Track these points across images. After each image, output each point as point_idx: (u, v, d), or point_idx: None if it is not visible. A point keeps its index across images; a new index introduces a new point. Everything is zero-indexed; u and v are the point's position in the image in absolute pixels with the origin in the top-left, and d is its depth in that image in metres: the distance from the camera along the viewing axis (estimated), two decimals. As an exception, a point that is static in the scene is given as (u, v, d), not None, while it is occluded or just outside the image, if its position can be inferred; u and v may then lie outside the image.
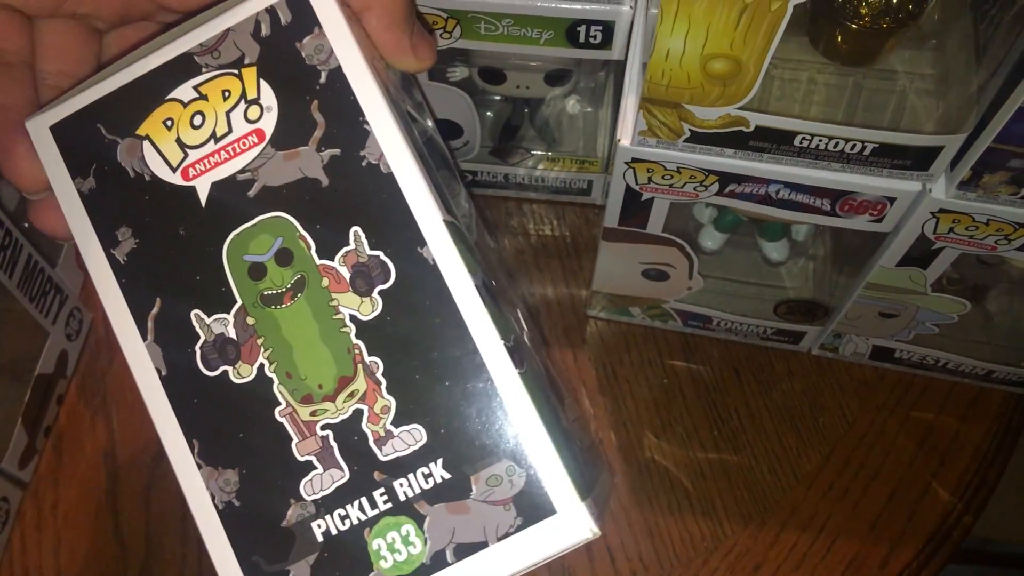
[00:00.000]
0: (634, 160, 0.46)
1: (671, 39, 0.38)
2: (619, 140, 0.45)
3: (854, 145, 0.41)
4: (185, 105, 0.35)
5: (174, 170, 0.35)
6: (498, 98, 0.62)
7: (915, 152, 0.41)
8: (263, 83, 0.35)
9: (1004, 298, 0.57)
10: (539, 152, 0.62)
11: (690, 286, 0.56)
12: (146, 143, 0.35)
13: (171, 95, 0.35)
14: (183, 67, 0.35)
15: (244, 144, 0.34)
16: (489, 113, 0.62)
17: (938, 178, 0.43)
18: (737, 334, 0.60)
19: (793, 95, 0.42)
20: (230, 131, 0.34)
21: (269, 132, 0.34)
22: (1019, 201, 0.42)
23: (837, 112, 0.42)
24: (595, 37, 0.50)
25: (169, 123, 0.35)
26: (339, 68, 0.34)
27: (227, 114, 0.35)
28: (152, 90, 0.35)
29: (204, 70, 0.35)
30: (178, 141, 0.35)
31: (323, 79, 0.34)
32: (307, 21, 0.34)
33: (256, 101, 0.35)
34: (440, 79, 0.57)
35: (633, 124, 0.45)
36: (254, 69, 0.35)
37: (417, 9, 0.43)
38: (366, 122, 0.34)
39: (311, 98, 0.34)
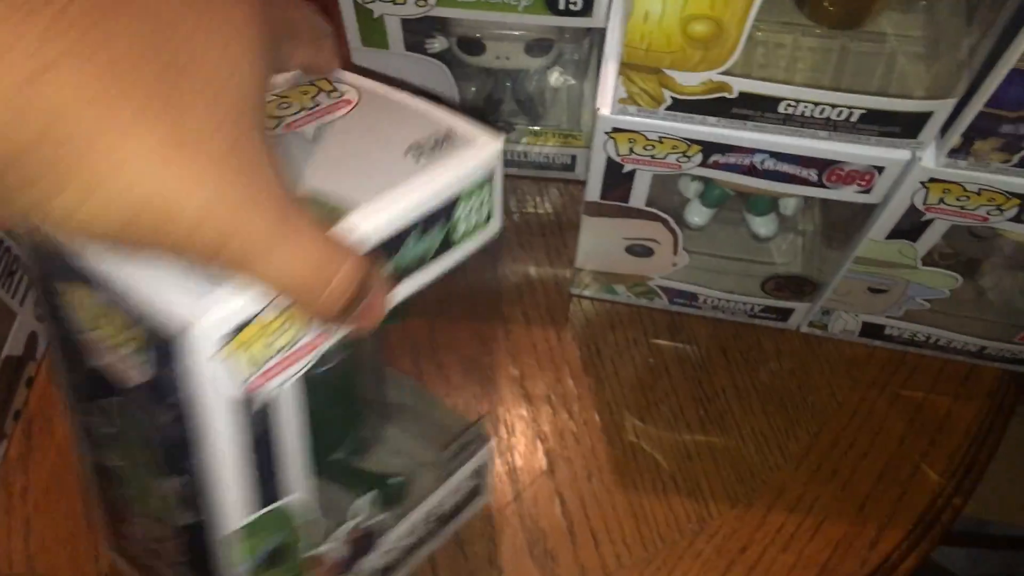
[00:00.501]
0: (615, 130, 0.44)
1: (649, 1, 0.36)
2: (598, 109, 0.44)
3: (841, 111, 0.40)
4: None
5: None
6: (481, 70, 0.60)
7: (904, 118, 0.40)
8: None
9: (997, 272, 0.56)
10: (522, 126, 0.61)
11: (675, 262, 0.55)
12: None
13: None
14: None
15: None
16: (473, 87, 0.61)
17: (928, 146, 0.42)
18: (724, 312, 0.59)
19: (777, 60, 0.41)
20: None
21: None
22: (1011, 169, 0.40)
23: (823, 77, 0.41)
24: (575, 3, 0.49)
25: None
26: None
27: None
28: None
29: None
30: None
31: None
32: None
33: None
34: (418, 50, 0.55)
35: (613, 92, 0.43)
36: None
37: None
38: None
39: None
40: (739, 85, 0.40)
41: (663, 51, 0.39)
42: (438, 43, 0.57)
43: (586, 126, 0.61)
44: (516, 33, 0.54)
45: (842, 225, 0.54)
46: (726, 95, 0.40)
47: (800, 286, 0.55)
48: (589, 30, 0.53)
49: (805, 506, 0.55)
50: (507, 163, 0.62)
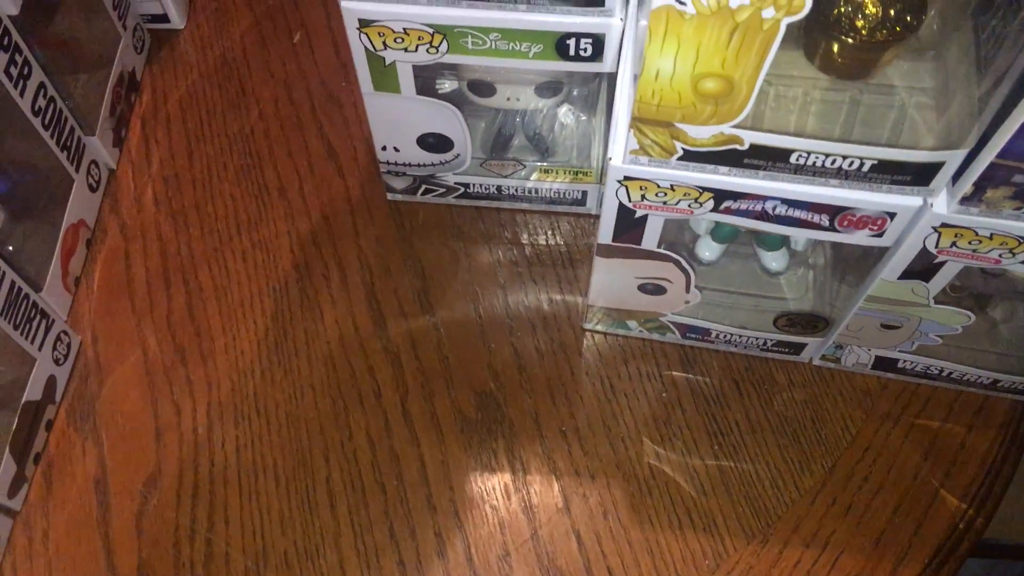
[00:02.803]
0: (626, 178, 0.45)
1: (660, 59, 0.37)
2: (610, 159, 0.44)
3: (852, 162, 0.40)
4: None
5: None
6: (490, 108, 0.60)
7: (915, 168, 0.40)
8: None
9: (1008, 304, 0.56)
10: (533, 163, 0.61)
11: (687, 300, 0.55)
12: None
13: None
14: None
15: None
16: (482, 124, 0.61)
17: (939, 193, 0.42)
18: (737, 346, 0.59)
19: (788, 111, 0.41)
20: None
21: None
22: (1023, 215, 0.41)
23: (834, 128, 0.41)
24: (585, 50, 0.49)
25: None
26: None
27: None
28: None
29: None
30: None
31: None
32: None
33: None
34: (429, 92, 0.56)
35: (624, 143, 0.43)
36: None
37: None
38: None
39: None
40: (750, 137, 0.40)
41: (674, 106, 0.39)
42: (447, 84, 0.57)
43: (596, 162, 0.61)
44: (527, 75, 0.54)
45: (853, 260, 0.54)
46: (737, 147, 0.41)
47: (812, 322, 0.55)
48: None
49: (821, 541, 0.55)
50: (518, 198, 0.62)
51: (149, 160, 0.67)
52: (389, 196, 0.65)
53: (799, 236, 0.46)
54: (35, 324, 0.55)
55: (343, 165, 0.67)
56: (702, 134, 0.40)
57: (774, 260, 0.58)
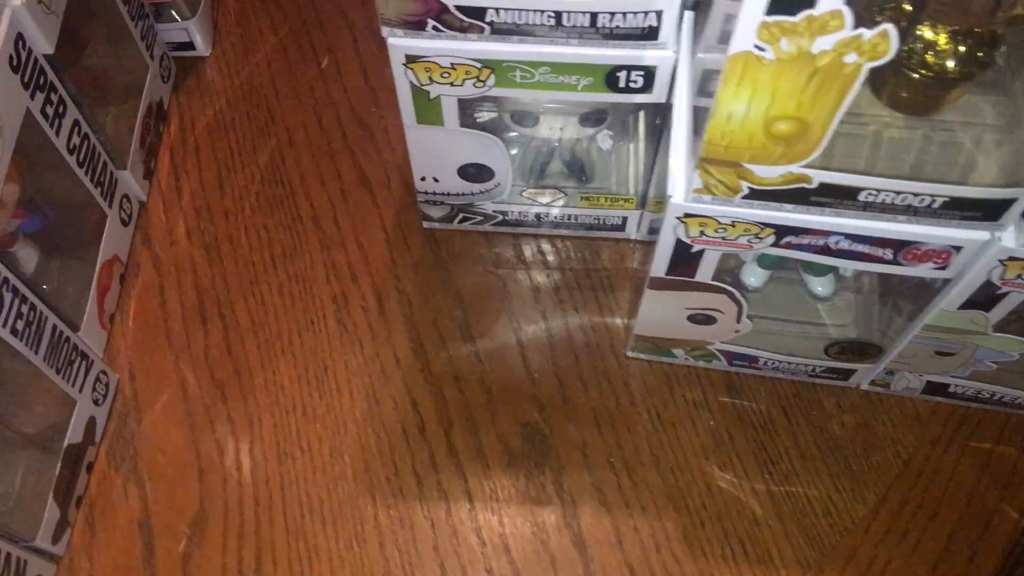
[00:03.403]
0: (686, 215, 0.44)
1: (733, 103, 0.36)
2: (670, 196, 0.43)
3: (923, 199, 0.40)
4: None
5: None
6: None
7: (986, 204, 0.39)
8: None
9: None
10: (571, 189, 0.60)
11: (738, 329, 0.54)
12: None
13: None
14: None
15: None
16: (514, 151, 0.60)
17: (1008, 227, 0.41)
18: (784, 372, 0.58)
19: (857, 149, 0.40)
20: None
21: None
22: (1097, 250, 0.40)
23: (904, 166, 0.40)
24: (635, 82, 0.48)
25: None
26: None
27: None
28: None
29: None
30: None
31: None
32: None
33: None
34: (468, 121, 0.55)
35: (685, 180, 0.43)
36: None
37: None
38: None
39: None
40: (819, 176, 0.39)
41: (743, 148, 0.38)
42: (487, 113, 0.56)
43: (634, 187, 0.60)
44: (571, 105, 0.54)
45: (902, 286, 0.53)
46: (805, 185, 0.40)
47: (864, 350, 0.54)
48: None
49: (877, 570, 0.55)
50: (557, 224, 0.62)
51: (180, 192, 0.66)
52: (425, 224, 0.65)
53: (859, 268, 0.45)
54: (75, 366, 0.54)
55: (376, 193, 0.66)
56: (770, 173, 0.40)
57: (821, 285, 0.57)
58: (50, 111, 0.52)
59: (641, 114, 0.59)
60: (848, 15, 0.31)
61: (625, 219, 0.62)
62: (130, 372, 0.60)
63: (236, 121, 0.69)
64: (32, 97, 0.50)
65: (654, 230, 0.58)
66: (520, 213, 0.62)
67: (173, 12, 0.67)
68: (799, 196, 0.41)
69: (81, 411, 0.55)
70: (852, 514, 0.56)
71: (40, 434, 0.54)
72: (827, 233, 0.43)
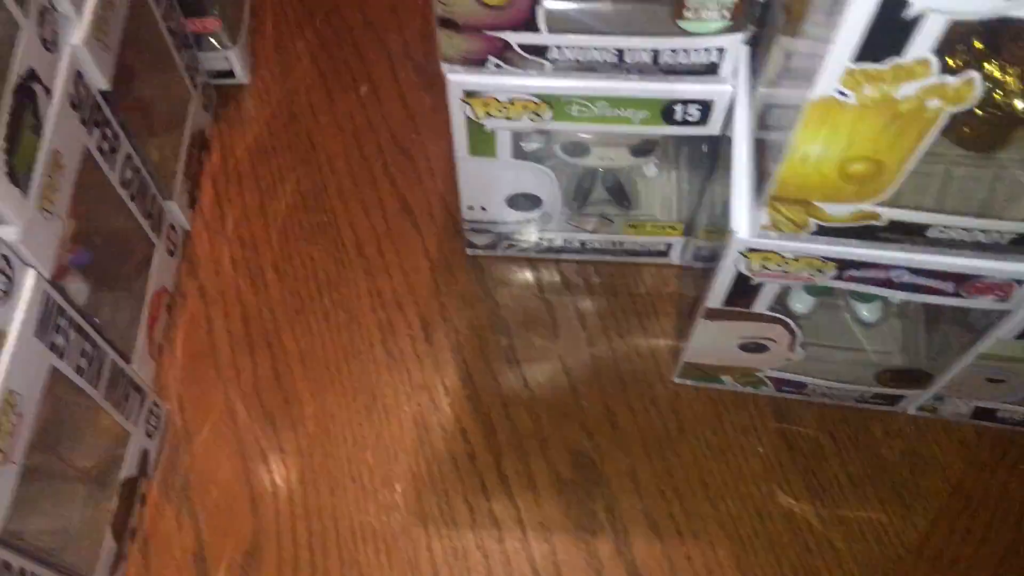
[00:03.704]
0: (750, 250, 0.44)
1: (810, 145, 0.36)
2: (735, 232, 0.43)
3: (991, 235, 0.40)
4: None
5: None
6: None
7: (1054, 239, 0.40)
8: None
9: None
10: (617, 216, 0.60)
11: (789, 357, 0.55)
12: None
13: None
14: None
15: None
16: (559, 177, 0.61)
17: (1074, 260, 0.41)
18: (832, 398, 0.59)
19: (927, 187, 0.41)
20: None
21: None
22: None
23: (973, 203, 0.40)
24: (692, 115, 0.49)
25: None
26: None
27: None
28: None
29: None
30: None
31: None
32: None
33: None
34: (517, 153, 0.55)
35: (749, 216, 0.43)
36: None
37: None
38: None
39: None
40: (889, 214, 0.40)
41: (816, 187, 0.39)
42: (534, 143, 0.57)
43: (677, 214, 0.61)
44: (623, 136, 0.54)
45: (950, 314, 0.54)
46: (874, 223, 0.40)
47: (916, 378, 0.55)
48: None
49: (929, 596, 0.55)
50: (601, 251, 0.62)
51: (223, 221, 0.66)
52: (468, 251, 0.65)
53: (919, 300, 0.46)
54: (131, 400, 0.54)
55: (419, 220, 0.66)
56: (840, 211, 0.40)
57: (868, 312, 0.57)
58: (105, 146, 0.52)
59: (683, 145, 0.59)
60: (935, 63, 0.32)
61: (670, 246, 0.62)
62: (179, 403, 0.61)
63: (277, 149, 0.69)
64: (90, 133, 0.50)
65: (699, 256, 0.59)
66: (565, 240, 0.62)
67: (213, 40, 0.68)
68: (867, 232, 0.41)
69: (135, 444, 0.55)
70: (904, 540, 0.56)
71: (95, 468, 0.54)
72: (890, 267, 0.44)
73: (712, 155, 0.54)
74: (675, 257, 0.63)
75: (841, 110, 0.34)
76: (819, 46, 0.33)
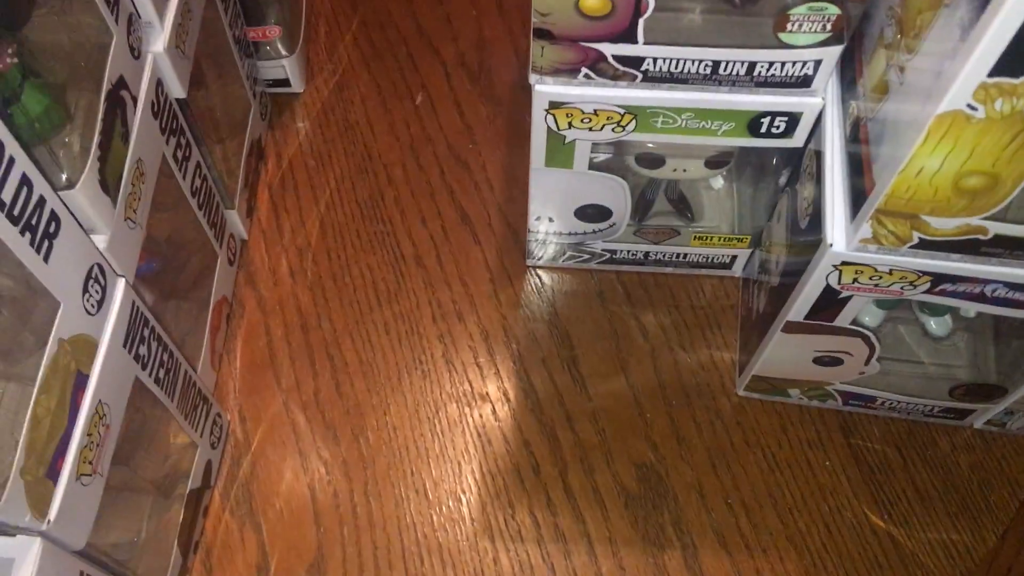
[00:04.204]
0: (844, 263, 0.44)
1: (929, 158, 0.36)
2: (830, 245, 0.43)
3: (1096, 250, 0.40)
4: None
5: None
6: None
7: None
8: None
9: None
10: (687, 229, 0.60)
11: (863, 371, 0.54)
12: None
13: None
14: None
15: None
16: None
17: None
18: (900, 412, 0.58)
19: (1033, 201, 0.41)
20: None
21: None
22: None
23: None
24: (778, 127, 0.48)
25: None
26: None
27: None
28: None
29: None
30: None
31: None
32: None
33: None
34: (590, 165, 0.55)
35: (846, 229, 0.43)
36: None
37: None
38: None
39: None
40: (996, 228, 0.39)
41: (926, 200, 0.38)
42: (603, 154, 0.56)
43: (745, 228, 0.60)
44: (699, 148, 0.54)
45: (1018, 326, 0.53)
46: (980, 237, 0.40)
47: (990, 392, 0.55)
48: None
49: (1001, 612, 0.54)
50: (663, 263, 0.62)
51: (280, 230, 0.66)
52: (528, 262, 0.65)
53: (1007, 315, 0.46)
54: (199, 411, 0.54)
55: (478, 231, 0.66)
56: (946, 225, 0.40)
57: (938, 325, 0.57)
58: (179, 155, 0.52)
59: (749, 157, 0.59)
60: (1071, 77, 0.31)
61: (735, 258, 0.62)
62: (240, 414, 0.60)
63: (333, 158, 0.69)
64: (167, 142, 0.50)
65: (764, 269, 0.58)
66: (630, 252, 0.62)
67: (269, 49, 0.67)
68: (970, 247, 0.41)
69: (201, 455, 0.55)
70: (973, 554, 0.56)
71: (163, 480, 0.53)
72: (986, 282, 0.43)
73: (781, 167, 0.54)
74: (738, 270, 0.63)
75: (966, 124, 0.34)
76: (946, 62, 0.33)
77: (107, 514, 0.47)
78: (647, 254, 0.62)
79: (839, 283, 0.46)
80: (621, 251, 0.62)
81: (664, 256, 0.62)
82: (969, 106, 0.33)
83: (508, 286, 0.64)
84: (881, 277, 0.44)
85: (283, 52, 0.67)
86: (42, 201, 0.35)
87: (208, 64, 0.57)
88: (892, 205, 0.39)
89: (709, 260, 0.62)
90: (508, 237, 0.66)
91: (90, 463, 0.41)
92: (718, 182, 0.61)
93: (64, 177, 0.41)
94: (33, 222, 0.35)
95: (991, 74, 0.32)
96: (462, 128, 0.70)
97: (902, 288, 0.45)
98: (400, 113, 0.71)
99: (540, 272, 0.65)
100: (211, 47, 0.56)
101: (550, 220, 0.59)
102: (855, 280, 0.45)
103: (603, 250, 0.62)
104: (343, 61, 0.73)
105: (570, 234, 0.60)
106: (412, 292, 0.64)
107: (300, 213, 0.67)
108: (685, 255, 0.62)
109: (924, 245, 0.41)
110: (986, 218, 0.39)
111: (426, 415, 0.60)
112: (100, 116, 0.42)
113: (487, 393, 0.61)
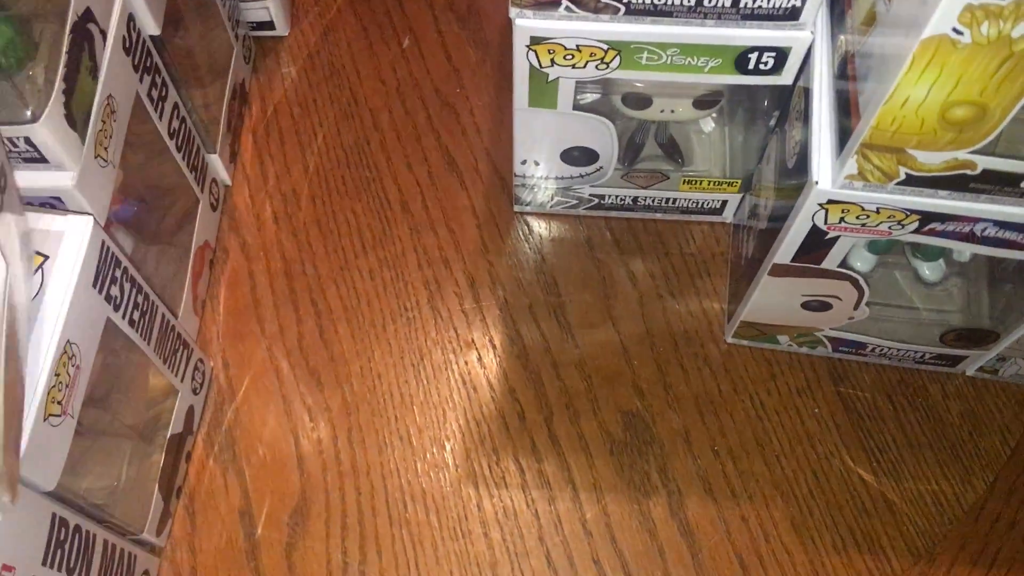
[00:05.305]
0: (830, 202, 0.43)
1: (915, 87, 0.35)
2: (816, 183, 0.42)
3: (1089, 186, 0.39)
4: None
5: None
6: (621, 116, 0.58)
7: None
8: None
9: None
10: (676, 173, 0.59)
11: (852, 316, 0.53)
12: None
13: None
14: None
15: None
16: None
17: None
18: (891, 359, 0.58)
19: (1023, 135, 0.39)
20: None
21: None
22: None
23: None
24: (766, 64, 0.47)
25: None
26: None
27: None
28: None
29: None
30: None
31: None
32: None
33: None
34: (576, 107, 0.53)
35: (832, 166, 0.42)
36: None
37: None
38: None
39: None
40: (985, 163, 0.38)
41: (912, 133, 0.37)
42: (590, 94, 0.55)
43: (735, 172, 0.59)
44: (686, 88, 0.52)
45: (1014, 273, 0.52)
46: (968, 172, 0.39)
47: (981, 337, 0.54)
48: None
49: (988, 558, 0.54)
50: (653, 208, 0.61)
51: (265, 176, 0.65)
52: (515, 208, 0.64)
53: (998, 255, 0.45)
54: (179, 356, 0.53)
55: (465, 176, 0.65)
56: (933, 159, 0.38)
57: (931, 270, 0.56)
58: (155, 94, 0.51)
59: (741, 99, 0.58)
60: (1061, -2, 0.30)
61: (725, 203, 0.61)
62: (223, 360, 0.59)
63: (319, 103, 0.67)
64: (141, 80, 0.49)
65: (754, 214, 0.57)
66: (618, 197, 0.61)
67: (253, -10, 0.66)
68: (958, 182, 0.40)
69: (182, 400, 0.54)
70: (962, 502, 0.55)
71: (142, 425, 0.53)
72: (976, 220, 0.42)
73: (772, 109, 0.53)
74: (729, 215, 0.62)
75: (952, 50, 0.33)
76: (932, -18, 0.32)
77: (84, 458, 0.47)
78: (636, 199, 0.61)
79: (825, 223, 0.44)
80: (609, 196, 0.61)
81: (653, 201, 0.61)
82: (955, 30, 0.32)
83: (495, 232, 0.63)
84: (868, 216, 0.43)
85: (267, -6, 0.66)
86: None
87: (186, 3, 0.56)
88: (877, 139, 0.38)
89: (699, 206, 0.61)
90: (495, 183, 0.65)
91: (59, 403, 0.41)
92: (708, 125, 0.59)
93: (28, 112, 0.40)
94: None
95: (977, -6, 0.31)
96: (450, 72, 0.69)
97: (890, 228, 0.44)
98: (387, 57, 0.69)
99: (528, 218, 0.64)
100: (188, -16, 0.55)
101: (536, 164, 0.58)
102: (842, 220, 0.44)
103: (591, 195, 0.61)
104: (329, 4, 0.71)
105: (557, 178, 0.59)
106: (398, 238, 0.63)
107: (285, 158, 0.66)
108: (674, 200, 0.61)
109: (911, 181, 0.40)
110: (974, 152, 0.38)
111: (411, 362, 0.59)
112: (65, 49, 0.41)
113: (472, 340, 0.60)
